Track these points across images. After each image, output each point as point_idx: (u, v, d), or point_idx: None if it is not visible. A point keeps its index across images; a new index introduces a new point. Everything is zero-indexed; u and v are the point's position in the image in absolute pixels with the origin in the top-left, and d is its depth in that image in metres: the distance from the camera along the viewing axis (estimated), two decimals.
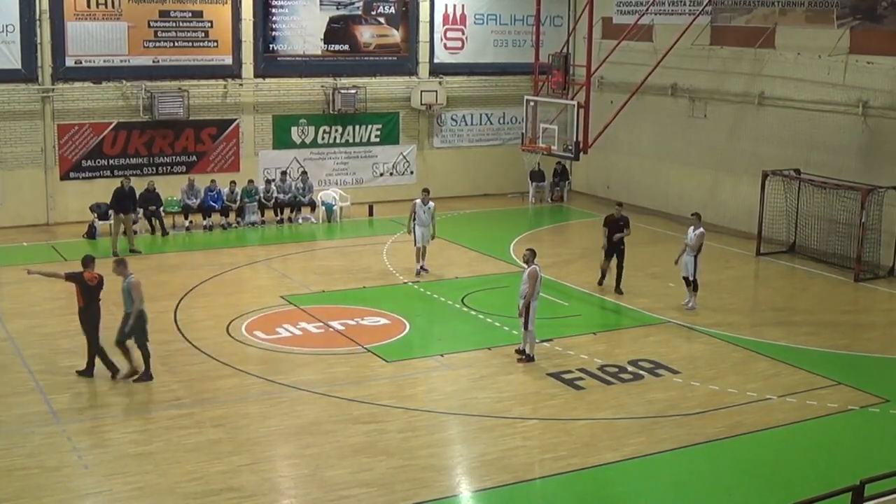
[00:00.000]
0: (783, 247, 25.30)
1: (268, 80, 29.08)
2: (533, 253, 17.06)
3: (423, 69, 31.26)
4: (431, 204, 22.18)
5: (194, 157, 28.36)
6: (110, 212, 25.02)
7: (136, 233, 24.94)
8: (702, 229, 20.11)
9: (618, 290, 21.07)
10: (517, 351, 17.23)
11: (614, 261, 21.33)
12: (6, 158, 26.29)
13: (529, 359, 16.98)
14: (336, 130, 30.28)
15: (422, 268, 22.42)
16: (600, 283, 21.53)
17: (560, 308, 20.22)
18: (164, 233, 26.03)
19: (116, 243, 24.16)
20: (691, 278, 20.11)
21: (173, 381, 15.97)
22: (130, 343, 15.89)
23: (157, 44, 27.48)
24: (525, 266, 17.04)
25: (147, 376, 15.89)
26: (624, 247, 21.07)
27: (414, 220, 22.12)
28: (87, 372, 16.04)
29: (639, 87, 26.74)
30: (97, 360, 16.00)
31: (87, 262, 16.44)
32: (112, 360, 15.98)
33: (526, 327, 16.94)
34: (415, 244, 22.41)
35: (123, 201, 24.41)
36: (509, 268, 23.13)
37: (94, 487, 12.49)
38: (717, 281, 21.56)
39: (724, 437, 14.26)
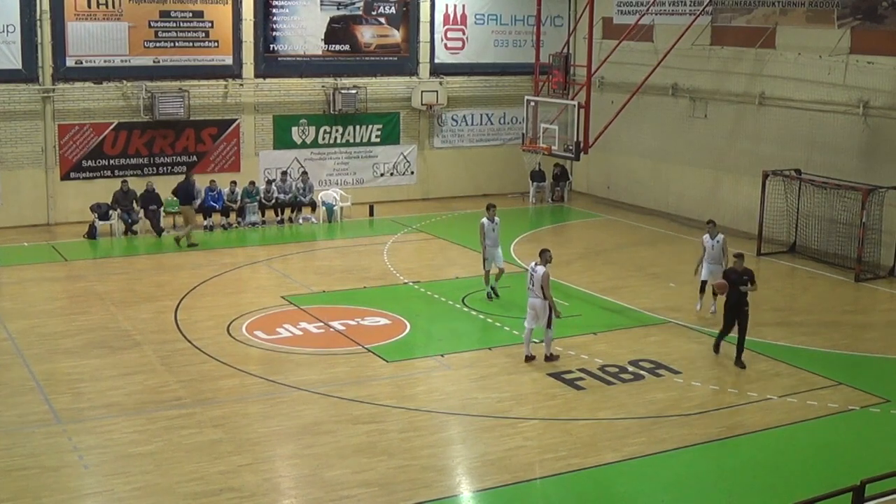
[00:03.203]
0: (784, 247, 25.30)
1: (268, 80, 29.08)
2: (543, 253, 17.05)
3: (424, 69, 31.27)
4: (497, 219, 20.53)
5: (195, 158, 28.37)
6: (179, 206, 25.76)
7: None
8: (721, 236, 19.60)
9: (739, 363, 16.98)
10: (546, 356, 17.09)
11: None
12: (7, 158, 26.30)
13: (553, 358, 16.99)
14: (336, 130, 30.29)
15: (493, 290, 20.61)
16: (716, 350, 17.56)
17: (560, 308, 20.18)
18: (158, 233, 25.97)
19: (186, 235, 24.98)
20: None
21: (174, 381, 15.98)
22: None
23: (158, 44, 27.49)
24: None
25: None
26: (748, 307, 17.05)
27: (484, 241, 20.36)
28: None
29: (639, 87, 26.73)
30: None
31: None
32: None
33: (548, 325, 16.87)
34: (484, 268, 20.58)
35: (186, 194, 25.14)
36: (510, 268, 23.10)
37: (95, 487, 12.50)
38: None
39: (724, 437, 14.26)
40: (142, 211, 26.06)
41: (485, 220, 20.48)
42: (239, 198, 27.38)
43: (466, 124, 32.22)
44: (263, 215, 27.88)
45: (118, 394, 15.41)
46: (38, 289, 21.36)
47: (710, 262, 19.58)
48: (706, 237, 19.66)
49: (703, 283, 19.76)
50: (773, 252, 24.98)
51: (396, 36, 30.76)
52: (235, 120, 28.80)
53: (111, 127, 27.31)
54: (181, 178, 27.41)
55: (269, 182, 28.18)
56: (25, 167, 26.54)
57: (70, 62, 26.65)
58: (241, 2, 28.24)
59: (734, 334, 16.99)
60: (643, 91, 27.12)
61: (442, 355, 17.43)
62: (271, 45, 29.03)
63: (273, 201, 27.90)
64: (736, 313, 16.95)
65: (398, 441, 13.90)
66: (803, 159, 25.25)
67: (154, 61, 27.52)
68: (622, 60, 28.51)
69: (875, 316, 20.84)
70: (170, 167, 28.06)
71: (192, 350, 17.46)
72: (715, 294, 19.28)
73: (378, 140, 30.93)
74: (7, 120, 26.19)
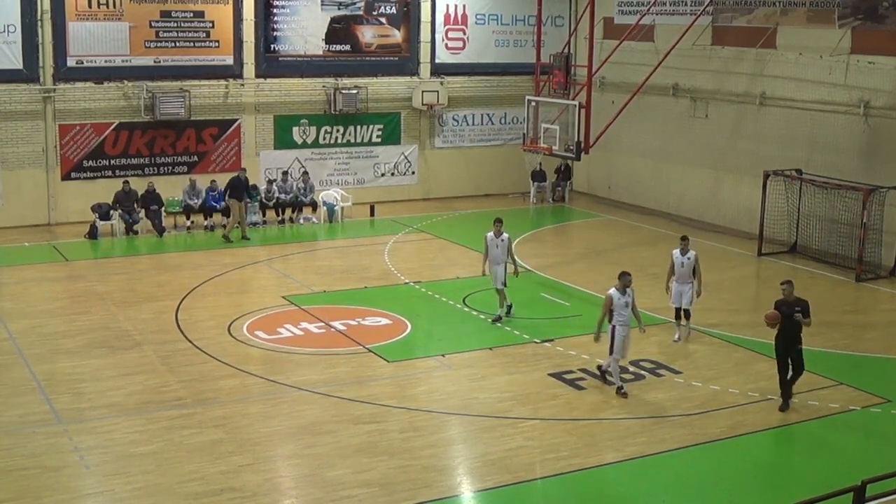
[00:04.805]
0: (784, 247, 25.29)
1: (269, 80, 29.08)
2: (620, 276, 15.84)
3: (425, 69, 31.26)
4: (505, 236, 18.92)
5: (195, 158, 28.37)
6: (227, 199, 26.17)
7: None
8: (693, 253, 18.13)
9: (785, 406, 15.05)
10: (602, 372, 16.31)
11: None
12: (8, 158, 26.30)
13: (612, 384, 15.95)
14: (337, 130, 30.29)
15: (500, 315, 19.19)
16: (783, 409, 15.03)
17: (561, 308, 20.22)
18: (161, 233, 25.97)
19: (232, 228, 25.84)
20: (685, 308, 18.31)
21: (175, 381, 15.98)
22: None
23: (159, 44, 27.49)
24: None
25: None
26: (801, 344, 14.92)
27: (487, 257, 19.07)
28: None
29: (640, 87, 26.73)
30: None
31: None
32: None
33: (609, 352, 15.85)
34: (493, 284, 19.19)
35: (238, 189, 25.78)
36: (510, 268, 23.08)
37: (96, 487, 12.50)
38: (719, 281, 21.51)
39: (725, 437, 14.25)
40: (143, 211, 26.06)
41: (489, 234, 19.06)
42: None
43: (467, 124, 32.21)
44: (264, 215, 27.88)
45: (119, 394, 15.42)
46: (39, 289, 21.35)
47: (679, 281, 18.21)
48: (676, 252, 18.24)
49: (678, 310, 18.46)
50: (773, 252, 24.97)
51: (397, 36, 30.75)
52: (236, 120, 28.80)
53: (112, 127, 27.31)
54: (182, 178, 27.52)
55: (269, 182, 28.18)
56: (26, 167, 26.53)
57: (71, 62, 26.65)
58: (241, 2, 28.24)
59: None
60: (644, 91, 27.12)
61: (443, 355, 17.43)
62: (272, 45, 29.03)
63: (274, 201, 27.90)
64: (788, 350, 14.88)
65: (399, 441, 13.90)
66: (804, 159, 25.24)
67: (155, 61, 27.52)
68: (623, 60, 28.50)
69: (876, 316, 20.84)
70: (171, 167, 28.06)
71: (193, 350, 17.46)
72: (690, 314, 18.47)
73: (379, 140, 30.93)
74: (8, 120, 26.19)
